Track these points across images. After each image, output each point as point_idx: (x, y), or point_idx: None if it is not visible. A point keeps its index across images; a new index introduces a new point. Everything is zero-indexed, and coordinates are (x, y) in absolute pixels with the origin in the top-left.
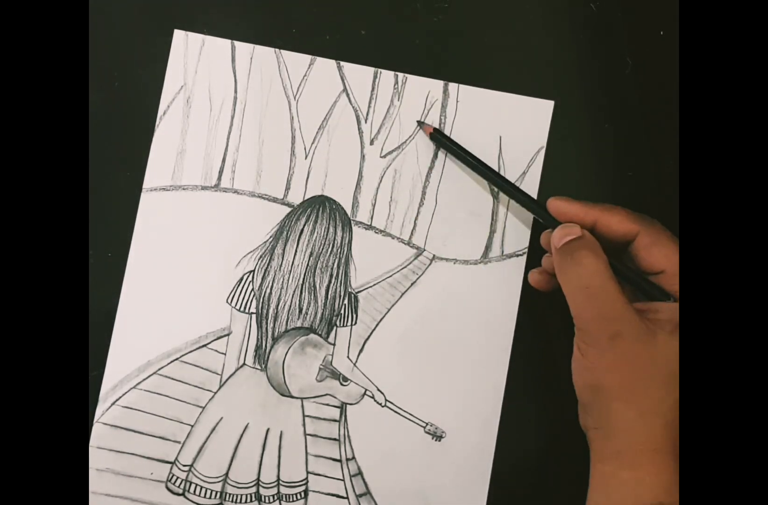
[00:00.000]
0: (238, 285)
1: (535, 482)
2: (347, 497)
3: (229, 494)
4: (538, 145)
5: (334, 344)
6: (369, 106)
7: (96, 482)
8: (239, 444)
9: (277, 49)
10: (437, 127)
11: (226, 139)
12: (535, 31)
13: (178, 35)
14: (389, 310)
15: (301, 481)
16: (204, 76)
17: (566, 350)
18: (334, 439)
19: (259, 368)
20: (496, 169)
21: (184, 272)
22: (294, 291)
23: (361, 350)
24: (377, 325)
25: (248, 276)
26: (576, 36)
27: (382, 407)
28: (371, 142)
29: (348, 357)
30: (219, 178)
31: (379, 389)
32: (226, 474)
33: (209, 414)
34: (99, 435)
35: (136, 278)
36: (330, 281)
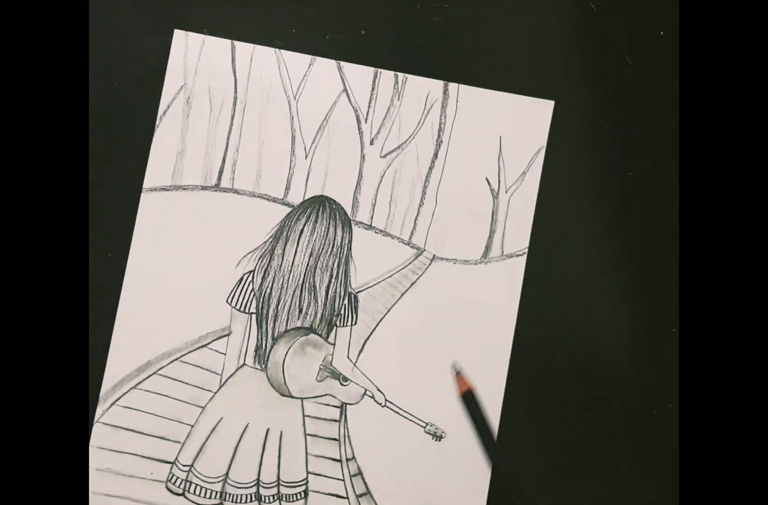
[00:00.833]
0: (238, 285)
1: (536, 482)
2: (347, 497)
3: (229, 494)
4: (538, 145)
5: (334, 344)
6: (369, 106)
7: (96, 482)
8: (239, 444)
9: (277, 49)
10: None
11: (226, 139)
12: (535, 31)
13: (178, 35)
14: (389, 310)
15: (301, 481)
16: (204, 76)
17: (566, 350)
18: (334, 439)
19: (259, 368)
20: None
21: (184, 272)
22: (294, 291)
23: (361, 350)
24: (377, 325)
25: (248, 276)
26: (576, 36)
27: (382, 407)
28: (371, 142)
29: (348, 357)
30: (219, 179)
31: (379, 389)
32: (226, 474)
33: (209, 414)
34: (99, 435)
35: (136, 278)
36: (330, 281)
